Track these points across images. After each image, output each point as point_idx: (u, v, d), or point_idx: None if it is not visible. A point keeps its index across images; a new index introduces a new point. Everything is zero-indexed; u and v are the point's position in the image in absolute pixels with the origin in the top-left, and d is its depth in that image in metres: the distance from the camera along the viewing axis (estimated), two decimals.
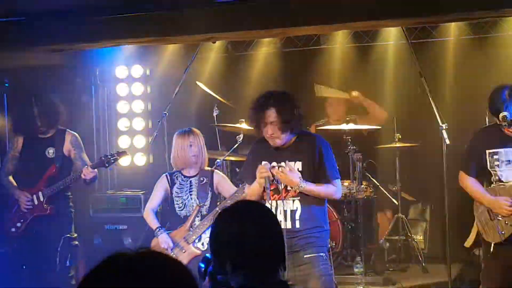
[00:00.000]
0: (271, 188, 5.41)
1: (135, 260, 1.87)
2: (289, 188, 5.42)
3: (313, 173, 5.38)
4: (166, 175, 6.62)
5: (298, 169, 5.37)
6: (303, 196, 5.39)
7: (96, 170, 7.00)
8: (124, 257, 1.86)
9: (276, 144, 5.41)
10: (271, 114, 5.30)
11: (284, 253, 3.12)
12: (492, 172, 5.61)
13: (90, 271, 1.83)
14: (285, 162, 5.37)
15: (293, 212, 5.45)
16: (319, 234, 5.37)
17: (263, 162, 5.39)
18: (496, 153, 5.59)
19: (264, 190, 5.35)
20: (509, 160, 5.56)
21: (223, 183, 6.56)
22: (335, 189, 5.44)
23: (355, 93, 8.40)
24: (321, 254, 5.32)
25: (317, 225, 5.37)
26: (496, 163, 5.59)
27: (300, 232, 5.27)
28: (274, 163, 5.34)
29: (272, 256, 2.98)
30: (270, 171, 5.26)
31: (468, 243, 5.99)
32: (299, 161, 5.41)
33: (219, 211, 3.20)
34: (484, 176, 5.71)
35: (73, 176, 6.99)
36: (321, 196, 5.43)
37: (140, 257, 1.88)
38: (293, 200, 5.44)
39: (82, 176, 6.89)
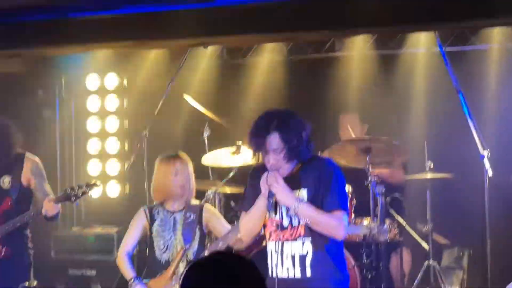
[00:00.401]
0: (274, 224, 5.39)
1: None
2: (295, 223, 5.39)
3: (319, 202, 5.33)
4: (145, 210, 6.55)
5: (303, 197, 5.35)
6: (315, 235, 5.35)
7: (59, 205, 6.96)
8: None
9: (281, 174, 5.38)
10: (274, 140, 5.21)
11: None
12: None
13: None
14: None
15: (302, 258, 5.41)
16: (335, 283, 5.32)
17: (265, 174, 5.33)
18: None
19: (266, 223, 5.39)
20: None
21: (214, 221, 6.51)
22: (337, 222, 5.39)
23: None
24: None
25: (333, 271, 5.30)
26: None
27: (311, 283, 5.24)
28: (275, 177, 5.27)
29: None
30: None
31: None
32: (304, 188, 5.37)
33: (190, 264, 3.06)
34: None
35: (33, 211, 6.93)
36: (320, 227, 5.30)
37: None
38: (303, 242, 5.39)
39: (43, 211, 6.84)
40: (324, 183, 5.32)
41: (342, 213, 5.34)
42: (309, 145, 5.36)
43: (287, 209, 5.32)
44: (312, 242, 5.35)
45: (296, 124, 5.32)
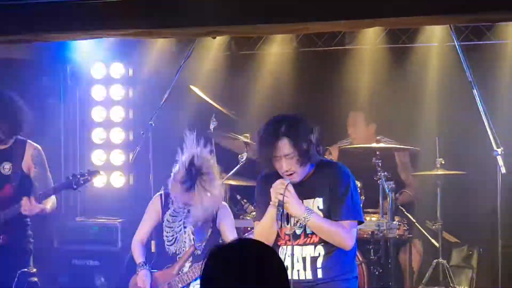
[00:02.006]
0: (287, 232, 5.36)
1: None
2: (309, 231, 5.36)
3: (330, 208, 5.34)
4: (160, 195, 6.52)
5: (318, 207, 5.31)
6: (325, 242, 5.33)
7: (46, 201, 6.90)
8: None
9: (292, 180, 5.33)
10: (285, 146, 5.20)
11: None
12: None
13: None
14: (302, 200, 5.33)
15: (314, 259, 5.38)
16: (346, 284, 5.32)
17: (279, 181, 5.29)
18: None
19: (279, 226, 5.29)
20: None
21: (226, 220, 6.42)
22: (346, 234, 5.31)
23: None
24: None
25: (343, 272, 5.31)
26: None
27: (322, 284, 5.24)
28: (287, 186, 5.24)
29: None
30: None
31: None
32: (319, 197, 5.34)
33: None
34: None
35: (15, 209, 6.87)
36: (328, 238, 5.31)
37: None
38: (315, 246, 5.37)
39: (22, 210, 6.78)
40: (339, 193, 5.31)
41: (353, 223, 5.35)
42: (318, 148, 5.35)
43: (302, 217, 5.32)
44: (324, 246, 5.34)
45: (304, 128, 5.29)
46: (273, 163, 5.28)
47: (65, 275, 8.06)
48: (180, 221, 6.38)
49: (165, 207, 6.42)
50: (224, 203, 6.60)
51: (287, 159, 5.23)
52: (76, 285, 7.95)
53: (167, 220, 6.39)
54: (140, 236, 6.46)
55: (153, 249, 6.49)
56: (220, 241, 6.34)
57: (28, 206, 6.73)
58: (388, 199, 7.29)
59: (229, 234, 6.34)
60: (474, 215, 7.83)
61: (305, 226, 5.36)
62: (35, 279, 7.24)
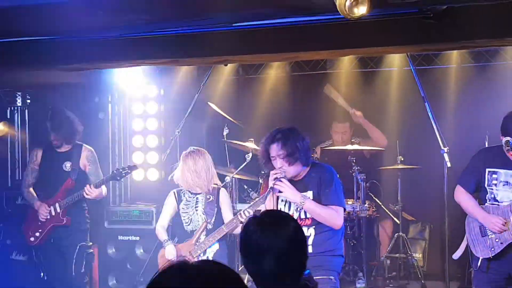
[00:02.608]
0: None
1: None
2: (303, 216, 5.43)
3: (322, 200, 5.42)
4: (174, 192, 6.57)
5: (309, 198, 5.39)
6: (318, 225, 5.38)
7: (101, 188, 6.96)
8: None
9: (288, 177, 5.39)
10: (276, 148, 5.36)
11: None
12: (488, 190, 5.59)
13: None
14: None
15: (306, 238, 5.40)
16: (331, 258, 5.35)
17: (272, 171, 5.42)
18: (495, 173, 5.58)
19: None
20: (507, 182, 5.54)
21: (225, 204, 6.49)
22: (336, 215, 5.38)
23: (358, 113, 8.34)
24: (331, 277, 5.28)
25: (330, 249, 5.36)
26: (494, 182, 5.58)
27: (312, 259, 5.20)
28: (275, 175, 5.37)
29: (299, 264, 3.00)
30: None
31: (457, 255, 5.97)
32: (311, 190, 5.45)
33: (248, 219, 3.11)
34: (479, 192, 5.68)
35: (79, 194, 6.95)
36: (321, 217, 5.36)
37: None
38: (308, 228, 5.41)
39: (85, 195, 6.85)
40: (326, 185, 5.44)
41: (340, 208, 5.42)
42: (307, 153, 5.43)
43: (296, 205, 5.42)
44: (315, 228, 5.40)
45: (294, 137, 5.43)
46: (271, 162, 5.42)
47: (113, 247, 8.05)
48: (192, 207, 6.42)
49: (178, 200, 6.46)
50: (222, 188, 6.64)
51: (279, 159, 5.36)
52: (121, 255, 7.96)
53: (182, 208, 6.43)
54: (161, 223, 6.51)
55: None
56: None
57: (90, 191, 6.82)
58: (360, 187, 7.35)
59: (226, 216, 6.41)
60: (426, 199, 7.82)
61: (300, 212, 5.45)
62: (91, 250, 7.33)
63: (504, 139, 5.42)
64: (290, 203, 5.49)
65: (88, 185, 6.85)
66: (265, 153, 5.46)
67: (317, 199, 5.39)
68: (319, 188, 5.42)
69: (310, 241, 5.36)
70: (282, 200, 5.51)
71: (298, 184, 5.45)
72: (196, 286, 1.90)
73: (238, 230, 6.15)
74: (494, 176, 5.57)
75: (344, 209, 5.55)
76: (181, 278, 1.91)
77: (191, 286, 1.89)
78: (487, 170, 5.59)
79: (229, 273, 1.99)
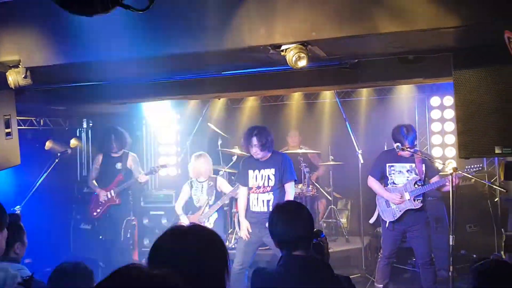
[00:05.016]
0: (255, 187, 5.56)
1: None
2: (266, 184, 5.52)
3: (280, 176, 5.48)
4: (188, 182, 6.57)
5: (272, 173, 5.43)
6: (275, 191, 5.42)
7: (147, 176, 7.02)
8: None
9: (258, 157, 5.44)
10: (254, 140, 5.38)
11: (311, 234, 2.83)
12: (389, 177, 5.68)
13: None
14: (264, 169, 5.49)
15: (267, 201, 5.44)
16: None
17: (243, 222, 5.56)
18: (392, 166, 5.69)
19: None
20: (400, 171, 5.64)
21: (224, 184, 6.53)
22: (291, 188, 5.49)
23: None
24: None
25: None
26: (392, 171, 5.68)
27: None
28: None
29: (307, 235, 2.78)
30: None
31: (372, 220, 6.11)
32: (272, 168, 5.47)
33: (276, 206, 2.98)
34: (383, 179, 5.75)
35: (133, 180, 7.00)
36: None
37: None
38: (268, 193, 5.45)
39: (139, 180, 6.91)
40: (283, 166, 5.48)
41: (293, 181, 5.53)
42: (272, 144, 5.50)
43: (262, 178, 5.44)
44: (273, 194, 5.42)
45: (265, 133, 5.45)
46: (249, 149, 5.43)
47: (146, 219, 8.00)
48: (200, 190, 6.45)
49: (191, 187, 6.48)
50: (219, 176, 6.61)
51: (255, 147, 5.38)
52: (152, 224, 7.90)
53: (193, 192, 6.45)
54: (179, 203, 6.50)
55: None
56: (222, 194, 6.38)
57: (142, 177, 6.93)
58: (306, 177, 7.40)
59: (227, 189, 6.40)
60: (348, 183, 7.80)
61: (264, 183, 5.50)
62: (134, 222, 7.33)
63: (395, 144, 5.54)
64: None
65: (140, 175, 6.93)
66: (246, 141, 5.49)
67: (277, 174, 5.44)
68: (279, 167, 5.47)
69: (270, 203, 5.40)
70: (253, 178, 5.54)
71: (265, 163, 5.51)
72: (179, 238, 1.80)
73: (236, 196, 6.14)
74: (392, 168, 5.67)
75: (295, 180, 5.59)
76: (172, 236, 1.82)
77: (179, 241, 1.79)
78: (387, 164, 5.69)
79: (209, 232, 1.88)
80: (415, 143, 5.52)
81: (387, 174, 5.67)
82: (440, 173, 5.69)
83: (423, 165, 5.55)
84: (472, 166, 5.35)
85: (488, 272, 2.65)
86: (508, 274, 2.62)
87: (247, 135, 5.48)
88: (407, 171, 5.59)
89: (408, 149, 5.43)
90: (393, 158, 5.65)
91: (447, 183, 5.13)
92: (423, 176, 5.55)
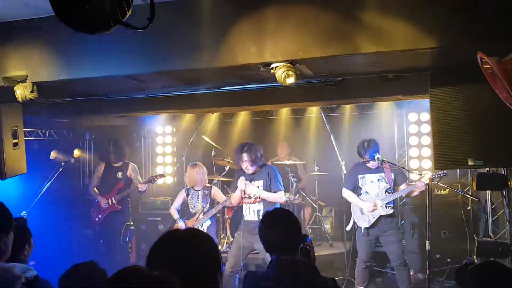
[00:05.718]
0: (246, 197, 5.43)
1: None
2: (254, 196, 5.41)
3: (268, 186, 5.39)
4: (184, 190, 6.49)
5: (260, 184, 5.37)
6: (265, 202, 5.37)
7: (146, 185, 6.94)
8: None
9: (248, 172, 5.40)
10: (244, 156, 5.33)
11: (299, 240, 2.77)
12: (361, 187, 5.74)
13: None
14: (253, 181, 5.38)
15: (258, 211, 5.39)
16: None
17: (241, 177, 5.41)
18: (364, 177, 5.74)
19: (242, 197, 5.41)
20: (371, 181, 5.70)
21: (218, 194, 6.46)
22: (279, 197, 5.40)
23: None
24: None
25: None
26: (364, 183, 5.72)
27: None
28: (245, 182, 5.35)
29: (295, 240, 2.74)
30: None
31: (348, 227, 6.09)
32: (261, 179, 5.43)
33: (265, 212, 2.93)
34: (356, 190, 5.78)
35: (132, 189, 6.93)
36: (271, 199, 5.37)
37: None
38: (259, 204, 5.40)
39: (138, 189, 6.84)
40: (271, 177, 5.41)
41: (282, 192, 5.41)
42: (261, 158, 5.43)
43: (253, 195, 5.39)
44: (263, 204, 5.37)
45: (255, 149, 5.38)
46: (240, 164, 5.38)
47: (144, 224, 7.94)
48: (195, 198, 6.37)
49: (187, 194, 6.38)
50: (214, 186, 6.53)
51: (245, 163, 5.33)
52: (149, 230, 7.83)
53: (189, 199, 6.37)
54: (175, 206, 6.40)
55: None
56: (216, 203, 6.29)
57: (141, 186, 6.81)
58: (293, 186, 7.36)
59: (221, 198, 6.31)
60: (332, 192, 7.69)
61: (254, 195, 5.41)
62: (132, 227, 7.23)
63: (364, 157, 5.63)
64: (249, 194, 5.46)
65: (139, 183, 6.86)
66: (237, 157, 5.43)
67: (265, 185, 5.38)
68: (267, 179, 5.42)
69: (260, 213, 5.34)
70: (245, 193, 5.49)
71: (254, 176, 5.45)
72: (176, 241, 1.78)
73: (230, 205, 6.09)
74: (363, 179, 5.72)
75: (284, 191, 5.52)
76: (169, 239, 1.81)
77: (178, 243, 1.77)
78: (358, 176, 5.73)
79: (203, 235, 1.86)
80: (376, 155, 5.53)
81: (360, 185, 5.72)
82: (407, 181, 5.73)
83: (392, 174, 5.63)
84: (437, 173, 5.39)
85: (487, 273, 2.59)
86: (505, 275, 2.56)
87: (238, 151, 5.44)
88: (378, 180, 5.66)
89: (381, 160, 5.51)
90: (364, 170, 5.72)
91: (415, 189, 5.41)
92: (392, 184, 5.61)
